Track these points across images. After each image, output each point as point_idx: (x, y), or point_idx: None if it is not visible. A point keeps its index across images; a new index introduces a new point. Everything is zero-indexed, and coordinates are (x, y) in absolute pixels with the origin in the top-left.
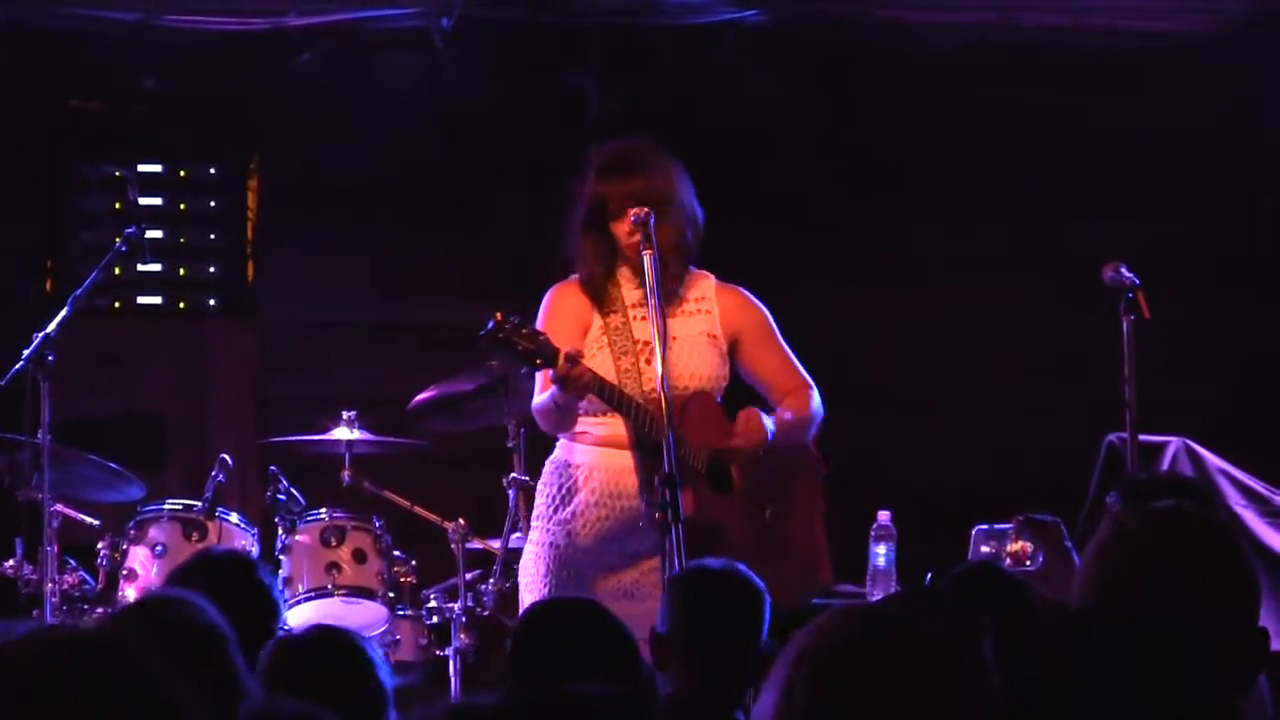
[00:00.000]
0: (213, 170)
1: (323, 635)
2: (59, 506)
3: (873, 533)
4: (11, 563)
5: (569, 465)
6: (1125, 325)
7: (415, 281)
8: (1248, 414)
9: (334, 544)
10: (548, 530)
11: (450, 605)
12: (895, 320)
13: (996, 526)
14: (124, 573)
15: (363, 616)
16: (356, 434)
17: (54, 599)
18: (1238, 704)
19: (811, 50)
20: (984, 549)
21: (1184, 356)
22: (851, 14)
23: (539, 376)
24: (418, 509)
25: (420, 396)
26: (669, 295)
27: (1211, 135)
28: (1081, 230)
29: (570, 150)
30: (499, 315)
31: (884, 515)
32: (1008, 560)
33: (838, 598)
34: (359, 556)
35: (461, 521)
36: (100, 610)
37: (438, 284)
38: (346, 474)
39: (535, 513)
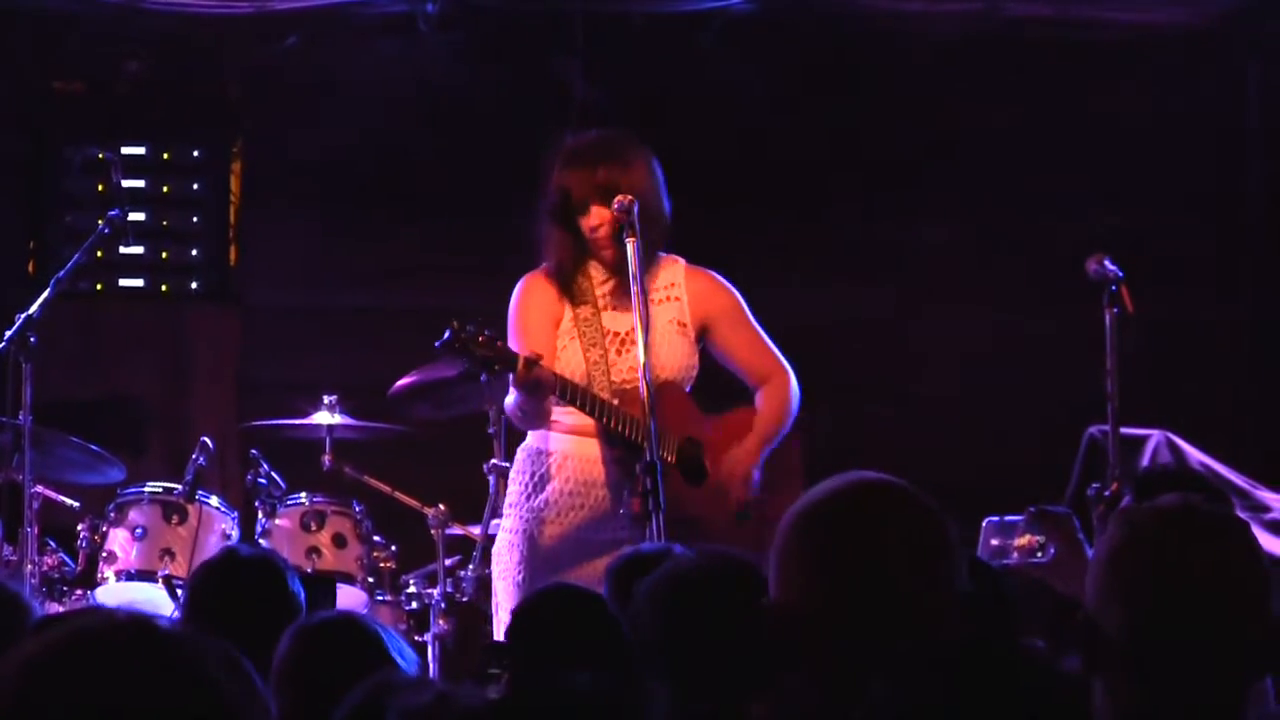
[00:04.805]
0: (196, 153)
1: (346, 622)
2: (39, 488)
3: None
4: None
5: (542, 453)
6: (1108, 318)
7: (398, 267)
8: (1227, 408)
9: (314, 528)
10: (521, 517)
11: (429, 591)
12: (874, 311)
13: (1007, 519)
14: (103, 555)
15: (342, 602)
16: (337, 418)
17: (33, 580)
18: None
19: (797, 38)
20: (994, 541)
21: (1166, 350)
22: (838, 2)
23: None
24: (398, 494)
25: (402, 382)
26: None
27: (1195, 126)
28: (1066, 221)
29: (554, 137)
30: (455, 323)
31: None
32: (1014, 554)
33: None
34: (339, 541)
35: (441, 507)
36: (79, 592)
37: (420, 269)
38: (327, 458)
39: (508, 500)
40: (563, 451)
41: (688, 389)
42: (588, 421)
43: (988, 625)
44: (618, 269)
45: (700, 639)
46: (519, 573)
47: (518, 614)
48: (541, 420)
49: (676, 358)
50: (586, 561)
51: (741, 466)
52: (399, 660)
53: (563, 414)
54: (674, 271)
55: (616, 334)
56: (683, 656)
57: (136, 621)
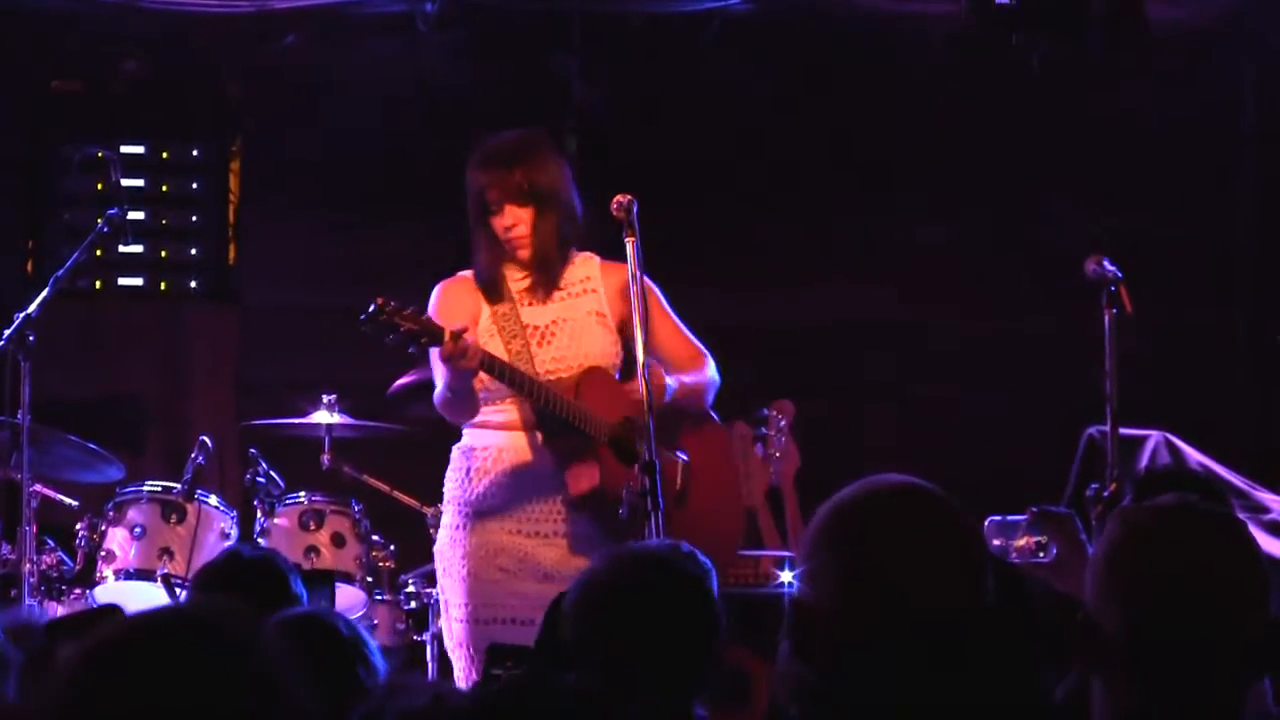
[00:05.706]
0: (195, 152)
1: (312, 620)
2: (38, 487)
3: None
4: None
5: (474, 449)
6: (1107, 319)
7: (396, 266)
8: (1225, 409)
9: (313, 527)
10: (460, 513)
11: (428, 590)
12: (872, 311)
13: (1009, 519)
14: (102, 554)
15: (340, 601)
16: (336, 418)
17: (32, 579)
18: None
19: (795, 38)
20: (995, 541)
21: (1165, 351)
22: (836, 2)
23: (439, 372)
24: (397, 493)
25: (400, 381)
26: (549, 284)
27: (1192, 128)
28: (1064, 222)
29: (553, 136)
30: (380, 299)
31: None
32: (1014, 554)
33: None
34: (337, 540)
35: (440, 506)
36: (78, 591)
37: (419, 268)
38: (326, 457)
39: (446, 497)
40: (496, 445)
41: (616, 376)
42: (514, 418)
43: (1009, 630)
44: (533, 266)
45: (622, 640)
46: (463, 567)
47: (552, 609)
48: (471, 406)
49: (598, 345)
50: (527, 554)
51: (656, 367)
52: (364, 664)
53: (490, 414)
54: (589, 266)
55: (536, 328)
56: (610, 659)
57: (202, 616)
